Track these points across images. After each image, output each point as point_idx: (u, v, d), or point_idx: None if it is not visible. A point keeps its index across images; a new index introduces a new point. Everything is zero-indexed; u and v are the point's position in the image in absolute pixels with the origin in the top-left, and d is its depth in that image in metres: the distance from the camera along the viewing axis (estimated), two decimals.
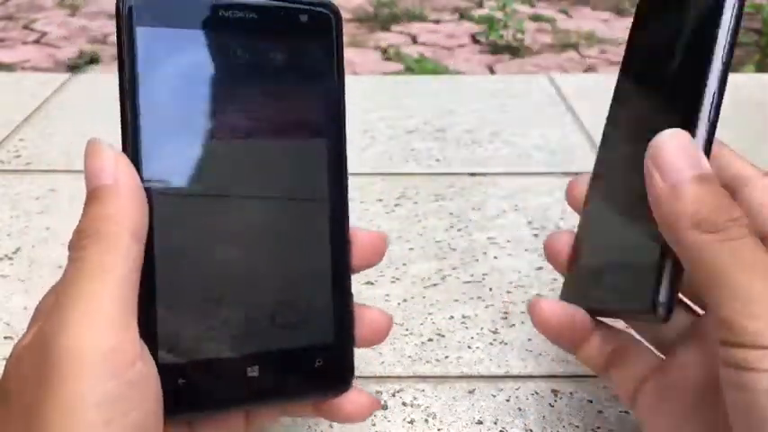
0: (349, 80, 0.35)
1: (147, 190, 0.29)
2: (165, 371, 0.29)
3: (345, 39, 0.34)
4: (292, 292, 0.32)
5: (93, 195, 0.28)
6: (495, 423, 0.41)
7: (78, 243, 0.28)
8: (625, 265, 0.34)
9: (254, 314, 0.31)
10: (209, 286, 0.31)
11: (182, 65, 0.30)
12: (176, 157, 0.30)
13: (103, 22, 1.56)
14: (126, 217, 0.28)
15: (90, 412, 0.25)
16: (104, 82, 0.90)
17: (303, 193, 0.32)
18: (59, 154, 0.72)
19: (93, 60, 1.34)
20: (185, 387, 0.30)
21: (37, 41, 1.48)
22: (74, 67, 1.27)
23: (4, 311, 0.50)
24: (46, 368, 0.25)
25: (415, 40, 1.45)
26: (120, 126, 0.29)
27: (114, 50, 1.52)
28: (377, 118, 0.82)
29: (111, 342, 0.26)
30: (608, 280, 0.35)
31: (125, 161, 0.29)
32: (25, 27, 1.56)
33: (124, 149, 0.29)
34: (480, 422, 0.42)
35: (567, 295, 0.38)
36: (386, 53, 1.75)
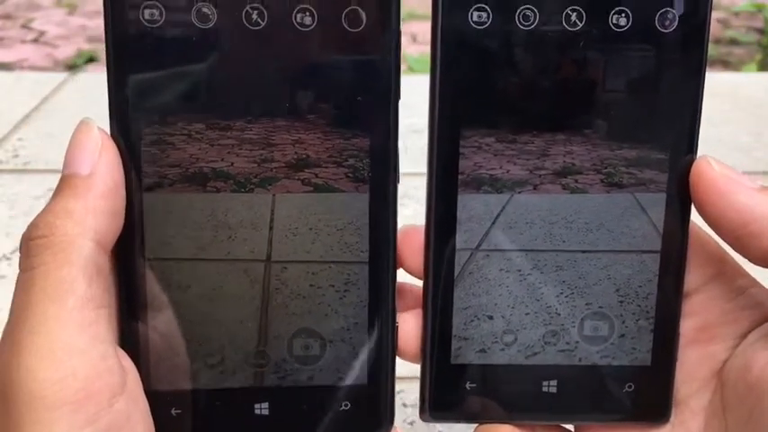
0: None
1: (135, 187, 0.25)
2: (156, 398, 0.25)
3: None
4: (317, 320, 0.27)
5: (63, 185, 0.24)
6: None
7: (30, 243, 0.23)
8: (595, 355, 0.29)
9: (267, 343, 0.27)
10: (211, 305, 0.27)
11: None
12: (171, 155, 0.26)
13: (102, 22, 1.56)
14: (92, 219, 0.23)
15: None
16: (103, 81, 0.90)
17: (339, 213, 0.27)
18: (58, 154, 0.71)
19: (92, 60, 1.34)
20: (179, 418, 0.27)
21: (35, 41, 1.48)
22: (72, 66, 1.27)
23: (2, 312, 0.50)
24: (3, 418, 0.21)
25: (415, 40, 1.45)
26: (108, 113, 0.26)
27: None
28: None
29: (80, 380, 0.21)
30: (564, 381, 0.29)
31: (111, 151, 0.24)
32: (23, 26, 1.56)
33: (113, 136, 0.25)
34: None
35: (449, 410, 0.30)
36: None
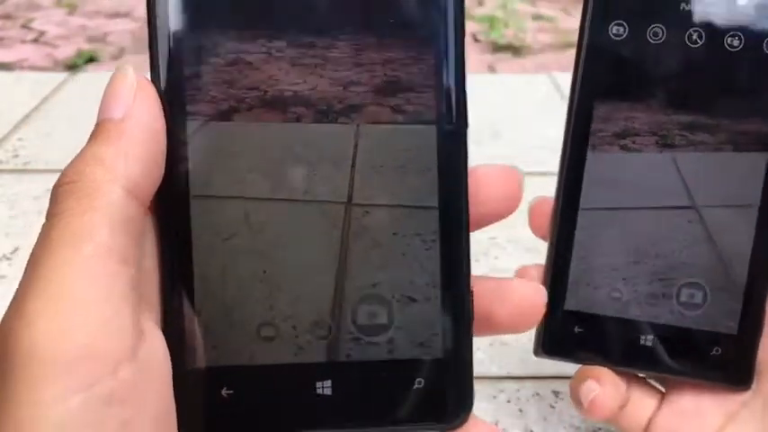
0: None
1: (180, 133, 0.22)
2: (200, 377, 0.22)
3: None
4: (384, 285, 0.24)
5: (95, 131, 0.22)
6: (496, 424, 0.41)
7: (58, 190, 0.21)
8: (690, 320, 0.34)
9: (338, 308, 0.24)
10: (265, 266, 0.23)
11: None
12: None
13: (102, 22, 1.56)
14: (124, 165, 0.21)
15: None
16: (103, 81, 0.90)
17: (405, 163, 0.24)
18: (58, 154, 0.72)
19: (92, 59, 1.34)
20: (228, 401, 0.23)
21: (35, 41, 1.48)
22: (72, 66, 1.27)
23: (2, 313, 0.50)
24: (1, 370, 0.19)
25: None
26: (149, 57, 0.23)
27: (112, 49, 1.52)
28: None
29: (82, 336, 0.19)
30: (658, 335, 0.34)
31: (148, 93, 0.22)
32: (23, 26, 1.56)
33: (154, 80, 0.23)
34: None
35: (559, 349, 0.35)
36: None
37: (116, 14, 1.60)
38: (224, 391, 0.23)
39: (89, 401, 0.18)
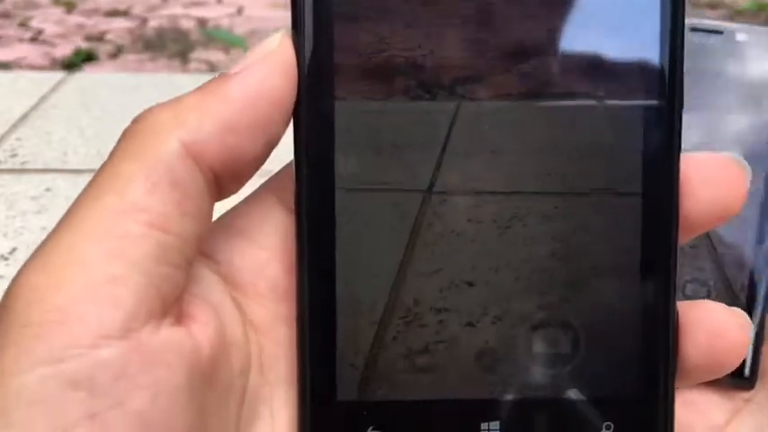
0: None
1: (326, 106, 0.19)
2: (342, 414, 0.19)
3: None
4: (569, 307, 0.20)
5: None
6: None
7: (126, 130, 0.18)
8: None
9: (499, 338, 0.20)
10: (426, 281, 0.19)
11: None
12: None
13: (100, 20, 1.56)
14: (197, 119, 0.18)
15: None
16: (101, 80, 0.90)
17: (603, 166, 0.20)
18: (56, 153, 0.71)
19: (90, 58, 1.34)
20: None
21: (33, 39, 1.48)
22: (70, 65, 1.27)
23: None
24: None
25: None
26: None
27: (109, 48, 1.50)
28: None
29: (62, 296, 0.16)
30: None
31: (279, 59, 0.19)
32: (21, 25, 1.56)
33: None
34: None
35: None
36: None
37: (114, 13, 1.60)
38: (371, 430, 0.19)
39: (50, 378, 0.15)
